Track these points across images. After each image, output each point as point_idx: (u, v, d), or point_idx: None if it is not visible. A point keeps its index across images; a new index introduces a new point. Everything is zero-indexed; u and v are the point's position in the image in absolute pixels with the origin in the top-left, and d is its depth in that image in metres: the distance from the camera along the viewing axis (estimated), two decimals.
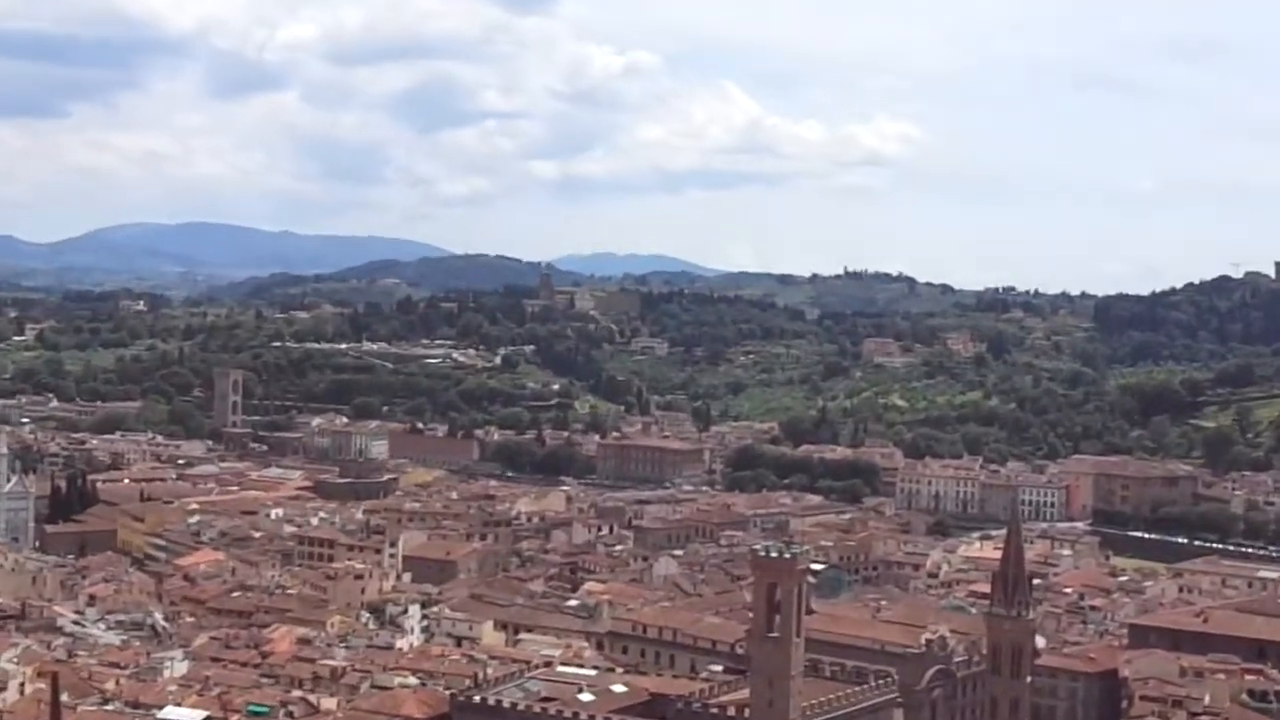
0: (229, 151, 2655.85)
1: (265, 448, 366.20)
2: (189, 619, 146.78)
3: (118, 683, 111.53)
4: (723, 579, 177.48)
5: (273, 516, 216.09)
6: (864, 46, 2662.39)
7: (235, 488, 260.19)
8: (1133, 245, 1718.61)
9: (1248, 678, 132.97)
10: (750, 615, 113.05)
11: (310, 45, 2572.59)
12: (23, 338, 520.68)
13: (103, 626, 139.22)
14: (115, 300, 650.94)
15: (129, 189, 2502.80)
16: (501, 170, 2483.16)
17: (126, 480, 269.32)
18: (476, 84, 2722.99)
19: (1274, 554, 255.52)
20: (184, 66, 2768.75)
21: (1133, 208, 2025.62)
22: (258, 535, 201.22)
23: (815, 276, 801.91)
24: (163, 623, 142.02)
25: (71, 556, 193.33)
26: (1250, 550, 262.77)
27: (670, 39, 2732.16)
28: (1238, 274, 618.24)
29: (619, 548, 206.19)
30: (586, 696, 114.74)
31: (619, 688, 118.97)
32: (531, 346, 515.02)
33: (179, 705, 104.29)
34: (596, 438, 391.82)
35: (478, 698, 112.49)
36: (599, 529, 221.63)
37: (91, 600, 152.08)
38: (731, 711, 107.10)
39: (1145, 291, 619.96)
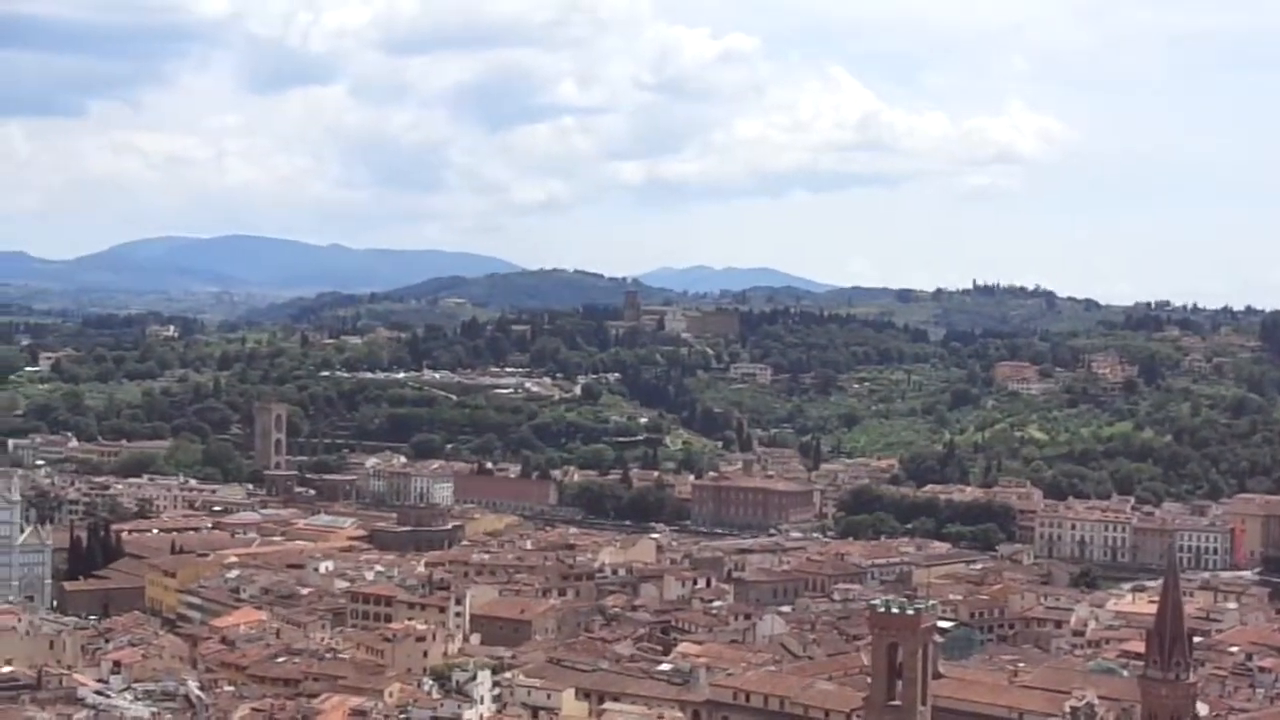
0: (268, 154, 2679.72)
1: (313, 492, 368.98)
2: (227, 688, 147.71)
3: None
4: (836, 639, 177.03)
5: (322, 570, 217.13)
6: (994, 25, 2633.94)
7: (279, 538, 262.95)
8: None
9: None
10: (868, 681, 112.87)
11: (359, 33, 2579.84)
12: (37, 369, 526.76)
13: (129, 697, 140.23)
14: (141, 325, 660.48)
15: (155, 198, 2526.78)
16: (580, 173, 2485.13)
17: (155, 530, 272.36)
18: (550, 75, 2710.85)
19: None
20: (216, 57, 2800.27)
21: None
22: (305, 592, 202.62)
23: (940, 292, 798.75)
24: (198, 692, 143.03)
25: (94, 617, 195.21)
26: None
27: (771, 19, 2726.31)
28: None
29: (717, 604, 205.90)
30: None
31: None
32: (616, 375, 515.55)
33: None
34: (691, 478, 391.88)
35: None
36: (694, 583, 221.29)
37: (116, 667, 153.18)
38: None
39: None
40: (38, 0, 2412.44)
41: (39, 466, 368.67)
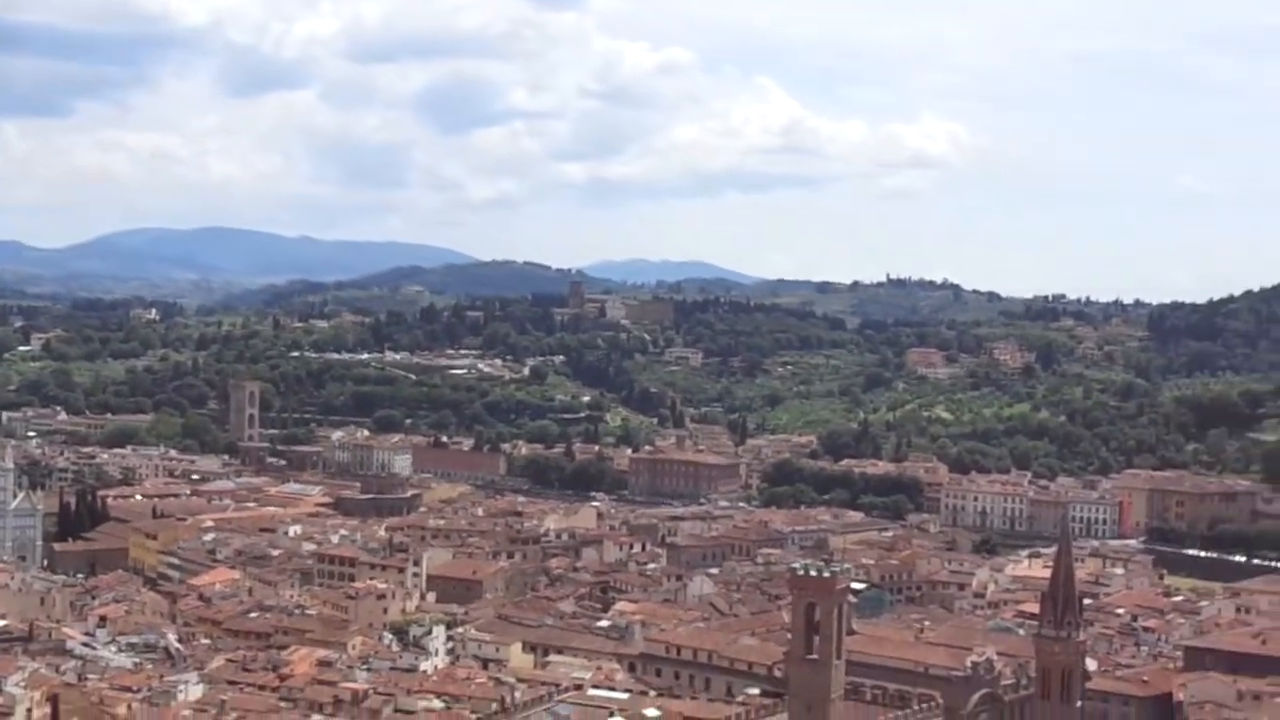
0: (244, 153, 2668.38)
1: (283, 462, 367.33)
2: (204, 640, 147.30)
3: (129, 707, 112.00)
4: (760, 599, 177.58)
5: (291, 534, 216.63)
6: (908, 42, 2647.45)
7: (252, 504, 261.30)
8: (1190, 251, 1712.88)
9: None
10: (788, 636, 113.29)
11: (329, 41, 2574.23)
12: (29, 348, 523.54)
13: (114, 649, 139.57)
14: (126, 309, 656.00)
15: (140, 192, 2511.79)
16: (529, 173, 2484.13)
17: (138, 496, 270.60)
18: (503, 82, 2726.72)
19: None
20: (196, 63, 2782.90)
21: (1190, 211, 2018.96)
22: (276, 553, 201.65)
23: (856, 284, 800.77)
24: (177, 644, 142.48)
25: (81, 576, 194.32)
26: None
27: (706, 35, 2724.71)
28: None
29: (652, 566, 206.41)
30: None
31: (652, 712, 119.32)
32: (561, 357, 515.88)
33: None
34: (628, 452, 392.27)
35: None
36: (631, 547, 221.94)
37: (102, 621, 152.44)
38: None
39: (1202, 299, 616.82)
40: (33, 9, 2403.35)
41: (30, 437, 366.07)
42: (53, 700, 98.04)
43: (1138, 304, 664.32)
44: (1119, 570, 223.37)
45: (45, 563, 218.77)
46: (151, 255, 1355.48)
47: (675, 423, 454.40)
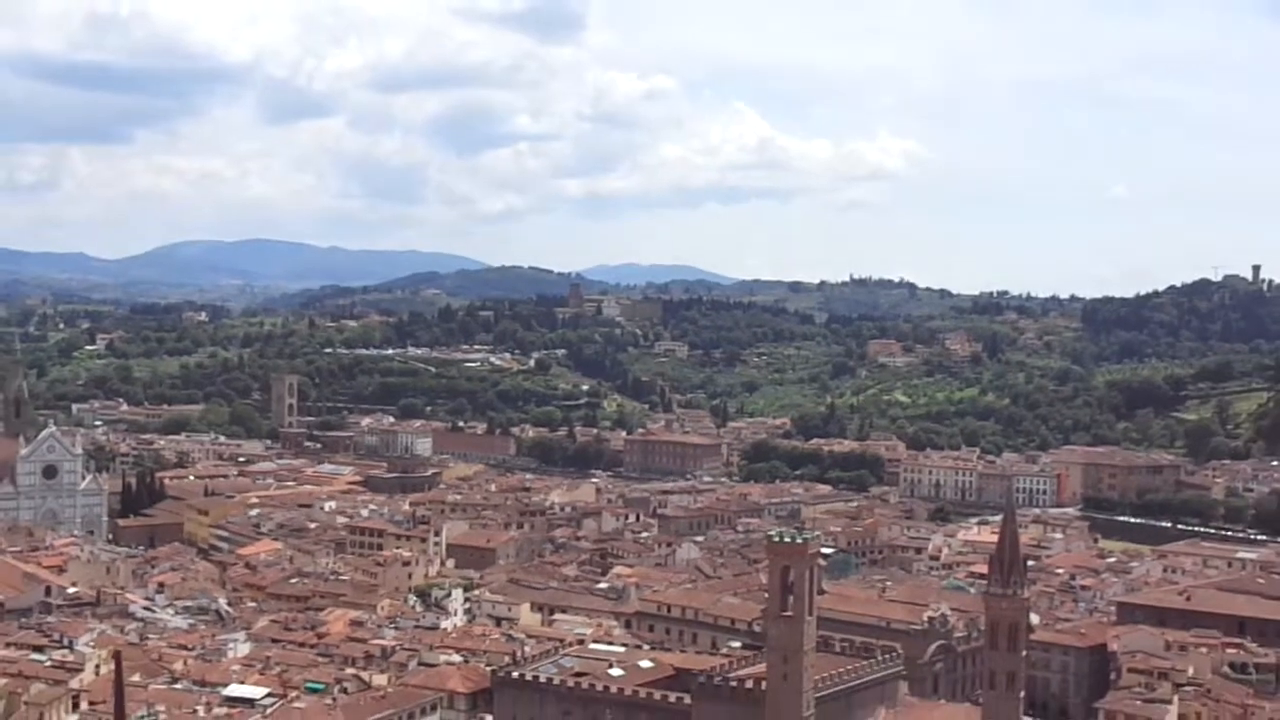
0: (281, 173, 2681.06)
1: (319, 446, 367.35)
2: (250, 604, 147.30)
3: (185, 663, 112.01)
4: (740, 563, 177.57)
5: (326, 509, 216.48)
6: (867, 69, 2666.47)
7: (292, 483, 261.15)
8: (1118, 251, 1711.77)
9: (1228, 651, 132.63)
10: (766, 596, 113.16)
11: (355, 74, 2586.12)
12: (94, 347, 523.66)
13: (171, 612, 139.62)
14: (179, 312, 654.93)
15: (190, 209, 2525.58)
16: (532, 188, 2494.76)
17: (191, 477, 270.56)
18: (508, 109, 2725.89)
19: (1252, 537, 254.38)
20: (239, 95, 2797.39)
21: (1118, 215, 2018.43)
22: (313, 526, 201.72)
23: (823, 283, 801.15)
24: (226, 607, 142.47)
25: (142, 548, 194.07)
26: (1230, 533, 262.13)
27: (687, 65, 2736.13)
28: (1217, 277, 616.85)
29: (645, 534, 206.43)
30: (616, 672, 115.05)
31: (646, 663, 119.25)
32: (563, 350, 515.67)
33: (242, 683, 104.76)
34: (623, 434, 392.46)
35: (516, 674, 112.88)
36: (626, 517, 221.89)
37: (160, 588, 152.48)
38: (750, 685, 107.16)
39: (1130, 294, 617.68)
40: (93, 48, 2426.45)
41: (96, 426, 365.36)
42: (116, 657, 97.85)
43: (1073, 299, 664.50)
44: (1058, 535, 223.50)
45: (110, 537, 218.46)
46: (201, 264, 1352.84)
47: (664, 408, 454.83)
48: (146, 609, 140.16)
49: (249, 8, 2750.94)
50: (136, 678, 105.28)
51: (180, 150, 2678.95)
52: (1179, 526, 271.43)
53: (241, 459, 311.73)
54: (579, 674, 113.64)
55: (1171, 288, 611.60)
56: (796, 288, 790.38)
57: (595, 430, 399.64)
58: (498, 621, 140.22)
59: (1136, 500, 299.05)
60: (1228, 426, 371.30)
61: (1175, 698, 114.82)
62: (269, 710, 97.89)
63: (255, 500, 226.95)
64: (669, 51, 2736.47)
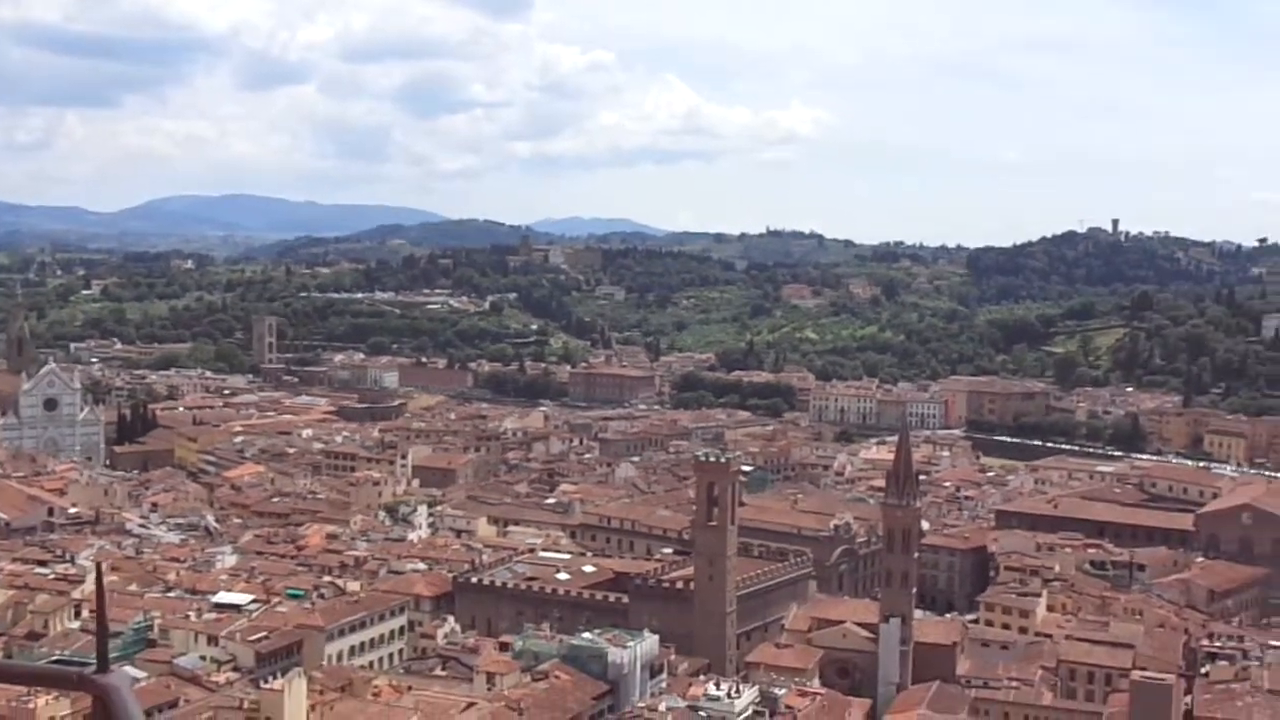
0: (260, 135, 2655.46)
1: (296, 380, 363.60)
2: (236, 520, 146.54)
3: (178, 574, 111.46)
4: (671, 480, 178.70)
5: (304, 436, 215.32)
6: (782, 45, 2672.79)
7: (272, 413, 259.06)
8: (998, 206, 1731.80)
9: (1089, 551, 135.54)
10: (694, 508, 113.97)
11: (325, 45, 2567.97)
12: (90, 292, 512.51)
13: (164, 528, 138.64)
14: (167, 260, 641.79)
15: (177, 166, 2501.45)
16: (487, 150, 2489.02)
17: (181, 408, 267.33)
18: (465, 78, 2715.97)
19: (1109, 453, 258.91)
20: (219, 64, 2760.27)
21: (998, 176, 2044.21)
22: (291, 451, 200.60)
23: (743, 235, 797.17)
24: (214, 524, 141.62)
25: (136, 472, 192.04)
26: (1091, 450, 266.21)
27: (624, 40, 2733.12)
28: (1082, 229, 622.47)
29: (587, 456, 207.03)
30: (563, 575, 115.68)
31: (589, 568, 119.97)
32: (514, 294, 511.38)
33: (229, 591, 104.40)
34: (568, 368, 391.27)
35: (474, 579, 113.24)
36: (571, 441, 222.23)
37: (154, 507, 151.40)
38: (680, 585, 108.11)
39: (1008, 244, 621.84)
40: (86, 20, 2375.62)
41: (93, 363, 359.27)
42: (97, 568, 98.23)
43: (959, 248, 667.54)
44: (945, 453, 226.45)
45: (107, 462, 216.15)
46: (187, 217, 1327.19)
47: (604, 345, 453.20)
48: (141, 526, 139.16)
49: None
50: (133, 587, 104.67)
51: (167, 114, 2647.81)
52: (1048, 445, 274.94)
53: (226, 392, 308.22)
54: (530, 578, 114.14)
55: (1043, 238, 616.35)
56: (720, 238, 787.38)
57: (543, 365, 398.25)
58: (458, 534, 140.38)
59: (1012, 422, 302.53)
60: (1089, 359, 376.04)
61: (1044, 591, 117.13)
62: (254, 614, 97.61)
63: (239, 428, 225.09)
64: (608, 28, 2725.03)
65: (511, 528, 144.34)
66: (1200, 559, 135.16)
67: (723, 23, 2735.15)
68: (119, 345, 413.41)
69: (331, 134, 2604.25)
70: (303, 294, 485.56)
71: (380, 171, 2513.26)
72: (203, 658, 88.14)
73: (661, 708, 79.30)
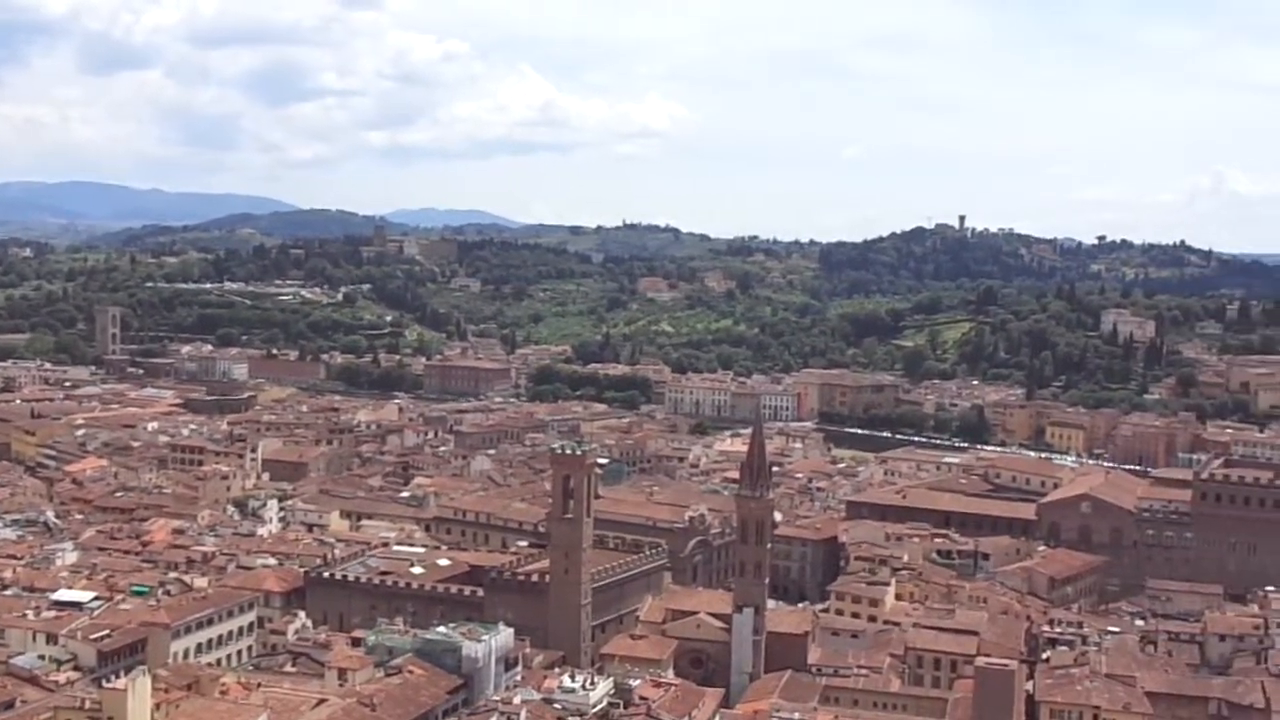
0: (102, 120, 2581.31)
1: (141, 372, 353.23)
2: (78, 516, 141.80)
3: (14, 571, 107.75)
4: (527, 472, 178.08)
5: (149, 429, 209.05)
6: (636, 38, 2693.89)
7: (116, 405, 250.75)
8: (849, 202, 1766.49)
9: (936, 540, 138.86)
10: (549, 500, 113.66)
11: (171, 29, 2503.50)
12: None
13: (0, 525, 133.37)
14: (4, 248, 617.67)
15: (14, 152, 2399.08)
16: (339, 139, 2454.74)
17: (18, 400, 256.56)
18: (316, 66, 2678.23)
19: (956, 445, 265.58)
20: (60, 46, 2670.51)
21: (849, 172, 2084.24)
22: (136, 444, 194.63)
23: (600, 228, 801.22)
24: (54, 520, 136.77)
25: None
26: (938, 442, 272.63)
27: (479, 30, 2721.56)
28: (930, 225, 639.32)
29: (442, 449, 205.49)
30: (417, 569, 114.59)
31: (444, 561, 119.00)
32: (368, 285, 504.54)
33: (70, 589, 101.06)
34: (423, 360, 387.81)
35: (327, 573, 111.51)
36: (426, 434, 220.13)
37: None
38: (535, 578, 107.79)
39: (859, 239, 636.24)
40: None
41: None
42: None
43: (811, 243, 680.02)
44: (798, 445, 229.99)
45: None
46: (26, 204, 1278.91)
47: (460, 336, 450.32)
48: None
49: None
50: None
51: (3, 97, 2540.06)
52: (897, 436, 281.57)
53: (67, 384, 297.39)
54: (384, 572, 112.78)
55: (893, 234, 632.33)
56: (576, 231, 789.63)
57: (398, 357, 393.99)
58: (310, 528, 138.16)
59: (863, 414, 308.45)
60: (937, 352, 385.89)
61: (893, 580, 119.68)
62: (96, 612, 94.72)
63: (81, 421, 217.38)
64: (462, 17, 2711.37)
65: (365, 521, 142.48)
66: (1042, 548, 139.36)
67: (577, 14, 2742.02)
68: None
69: (178, 120, 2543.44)
70: (149, 284, 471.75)
71: (229, 159, 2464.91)
72: (41, 657, 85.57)
73: (516, 700, 79.08)
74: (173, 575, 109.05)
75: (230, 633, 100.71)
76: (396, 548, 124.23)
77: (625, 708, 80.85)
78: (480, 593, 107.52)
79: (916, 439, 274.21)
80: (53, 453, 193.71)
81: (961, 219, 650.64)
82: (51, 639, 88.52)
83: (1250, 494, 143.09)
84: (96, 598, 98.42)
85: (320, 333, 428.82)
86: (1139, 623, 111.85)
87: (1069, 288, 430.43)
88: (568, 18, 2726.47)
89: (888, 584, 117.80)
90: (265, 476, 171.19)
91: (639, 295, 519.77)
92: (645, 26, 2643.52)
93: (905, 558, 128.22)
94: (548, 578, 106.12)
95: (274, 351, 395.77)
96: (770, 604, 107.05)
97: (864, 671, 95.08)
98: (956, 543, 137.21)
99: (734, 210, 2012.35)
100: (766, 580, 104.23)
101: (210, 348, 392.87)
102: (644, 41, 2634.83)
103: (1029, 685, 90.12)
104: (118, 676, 78.49)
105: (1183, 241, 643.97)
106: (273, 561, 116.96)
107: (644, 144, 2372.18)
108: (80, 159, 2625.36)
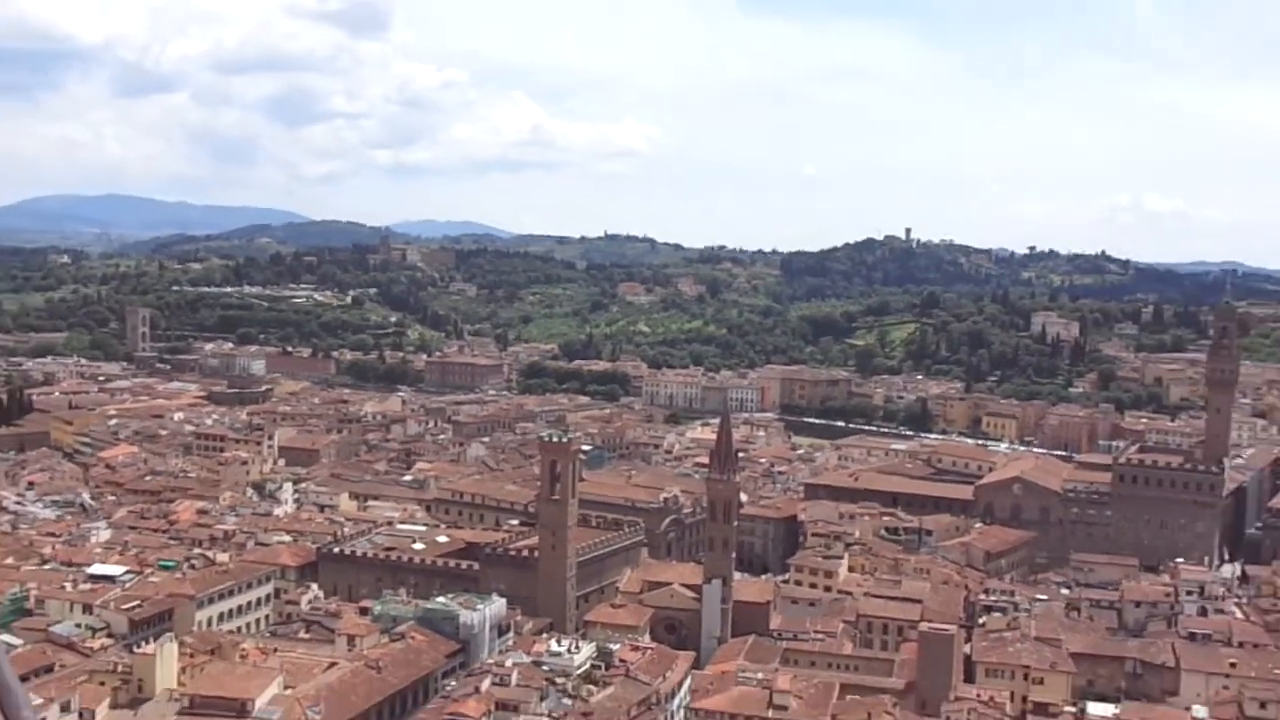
0: (134, 140, 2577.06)
1: (168, 367, 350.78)
2: (111, 498, 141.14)
3: (54, 548, 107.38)
4: (518, 458, 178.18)
5: (176, 419, 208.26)
6: (615, 68, 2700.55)
7: (145, 398, 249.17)
8: (807, 215, 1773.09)
9: (884, 518, 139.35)
10: (538, 483, 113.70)
11: (197, 59, 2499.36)
12: None
13: (41, 505, 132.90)
14: (44, 255, 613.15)
15: (54, 168, 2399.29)
16: (349, 157, 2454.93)
17: (57, 393, 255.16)
18: (328, 91, 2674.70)
19: (902, 433, 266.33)
20: (95, 73, 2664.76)
21: (807, 189, 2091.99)
22: (164, 433, 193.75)
23: (584, 238, 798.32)
24: (90, 501, 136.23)
25: (13, 453, 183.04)
26: (887, 430, 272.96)
27: (475, 61, 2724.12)
28: (879, 237, 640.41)
29: (441, 437, 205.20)
30: (418, 545, 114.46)
31: (443, 538, 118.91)
32: (374, 289, 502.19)
33: (104, 563, 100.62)
34: (424, 357, 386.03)
35: (336, 549, 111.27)
36: (427, 423, 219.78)
37: (31, 485, 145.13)
38: (525, 553, 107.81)
39: (816, 249, 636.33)
40: None
41: None
42: None
43: (774, 251, 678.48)
44: (761, 433, 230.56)
45: None
46: (64, 215, 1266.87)
47: (457, 336, 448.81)
48: (18, 503, 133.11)
49: None
50: (10, 561, 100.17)
51: (42, 118, 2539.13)
52: (850, 426, 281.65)
53: (101, 378, 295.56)
54: (388, 548, 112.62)
55: (846, 244, 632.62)
56: (562, 241, 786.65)
57: (401, 354, 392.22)
58: (321, 508, 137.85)
59: (819, 406, 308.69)
60: (886, 350, 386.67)
61: (846, 554, 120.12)
62: (128, 584, 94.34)
63: (114, 412, 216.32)
64: (460, 49, 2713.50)
65: (371, 502, 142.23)
66: (978, 524, 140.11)
67: (564, 46, 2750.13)
68: None
69: (203, 140, 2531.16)
70: (175, 288, 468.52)
71: (249, 175, 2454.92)
72: (78, 625, 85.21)
73: (508, 663, 79.22)
74: (197, 551, 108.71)
75: (249, 603, 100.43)
76: (400, 526, 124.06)
77: (606, 669, 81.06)
78: (476, 566, 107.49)
79: (867, 428, 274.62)
80: (88, 440, 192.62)
81: (908, 231, 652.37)
82: (87, 609, 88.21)
83: (1163, 476, 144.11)
84: (128, 571, 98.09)
85: (331, 332, 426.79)
86: (1064, 591, 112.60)
87: (1003, 293, 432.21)
88: (555, 50, 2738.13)
89: (841, 558, 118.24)
90: (281, 462, 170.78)
91: (619, 299, 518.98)
92: (624, 59, 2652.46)
93: (857, 534, 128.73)
94: (537, 553, 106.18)
95: (289, 349, 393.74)
96: (736, 576, 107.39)
97: (820, 636, 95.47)
98: (903, 520, 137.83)
99: (704, 222, 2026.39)
100: (733, 554, 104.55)
101: (231, 346, 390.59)
102: (623, 72, 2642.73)
103: (967, 647, 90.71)
104: (147, 643, 78.44)
105: (1104, 252, 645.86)
106: (288, 538, 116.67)
107: (623, 163, 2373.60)
108: (113, 175, 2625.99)
